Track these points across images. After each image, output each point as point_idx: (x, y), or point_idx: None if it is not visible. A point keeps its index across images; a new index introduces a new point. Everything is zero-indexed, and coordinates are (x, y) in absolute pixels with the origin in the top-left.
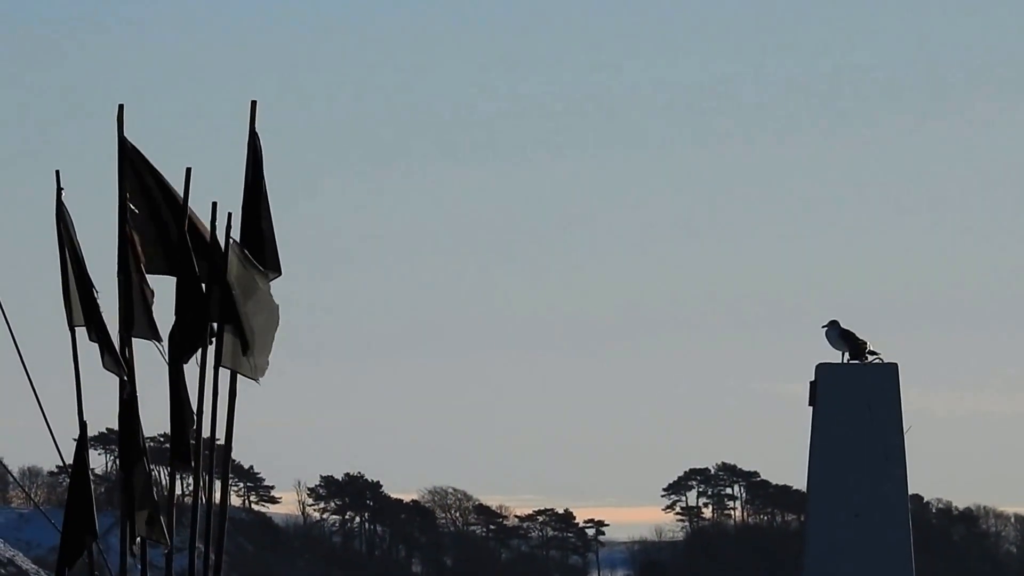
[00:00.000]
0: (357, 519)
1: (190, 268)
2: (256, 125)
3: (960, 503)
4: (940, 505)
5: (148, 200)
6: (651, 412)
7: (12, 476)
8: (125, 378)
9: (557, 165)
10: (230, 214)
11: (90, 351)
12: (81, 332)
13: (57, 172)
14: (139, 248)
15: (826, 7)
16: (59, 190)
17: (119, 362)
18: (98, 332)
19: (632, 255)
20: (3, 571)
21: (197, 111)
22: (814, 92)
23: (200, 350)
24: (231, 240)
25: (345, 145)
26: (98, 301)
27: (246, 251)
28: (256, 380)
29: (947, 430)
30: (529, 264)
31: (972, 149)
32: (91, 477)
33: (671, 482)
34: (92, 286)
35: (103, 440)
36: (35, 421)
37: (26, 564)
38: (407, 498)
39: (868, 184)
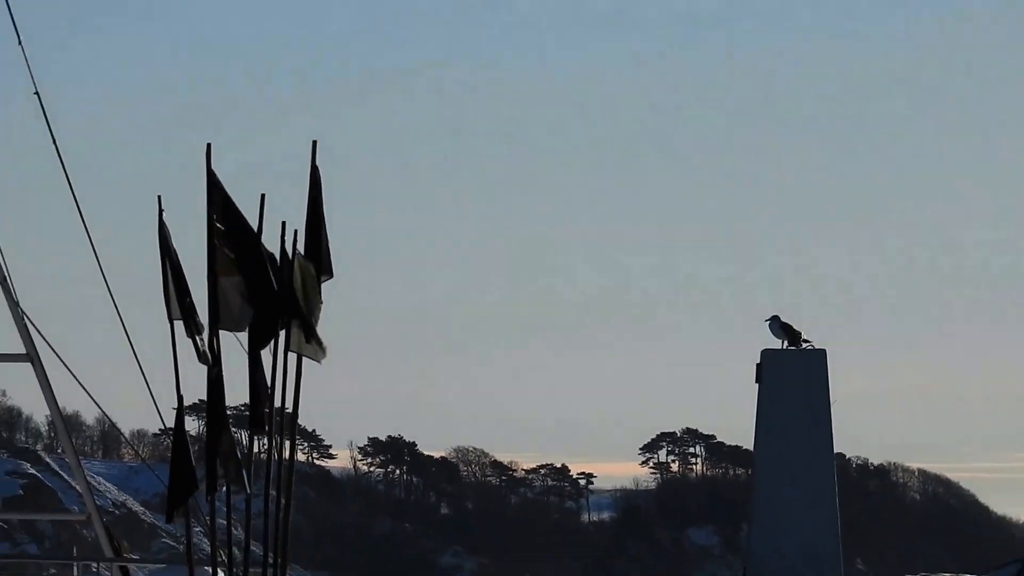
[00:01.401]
0: (397, 472)
1: (264, 274)
2: (316, 159)
3: (875, 460)
4: (859, 462)
5: (229, 219)
6: (631, 387)
7: (124, 437)
8: (210, 363)
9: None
10: (296, 231)
11: (186, 338)
12: (178, 324)
13: (159, 197)
14: (223, 257)
15: None
16: (160, 211)
17: (206, 351)
18: (192, 325)
19: (616, 266)
20: (117, 511)
21: (270, 148)
22: (755, 101)
23: (273, 339)
24: (296, 251)
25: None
26: (192, 300)
27: (307, 260)
28: (319, 361)
29: (865, 402)
30: (527, 261)
31: (889, 159)
32: (188, 438)
33: (645, 443)
34: (187, 289)
35: (196, 409)
36: (143, 394)
37: (135, 507)
38: (437, 455)
39: (808, 202)
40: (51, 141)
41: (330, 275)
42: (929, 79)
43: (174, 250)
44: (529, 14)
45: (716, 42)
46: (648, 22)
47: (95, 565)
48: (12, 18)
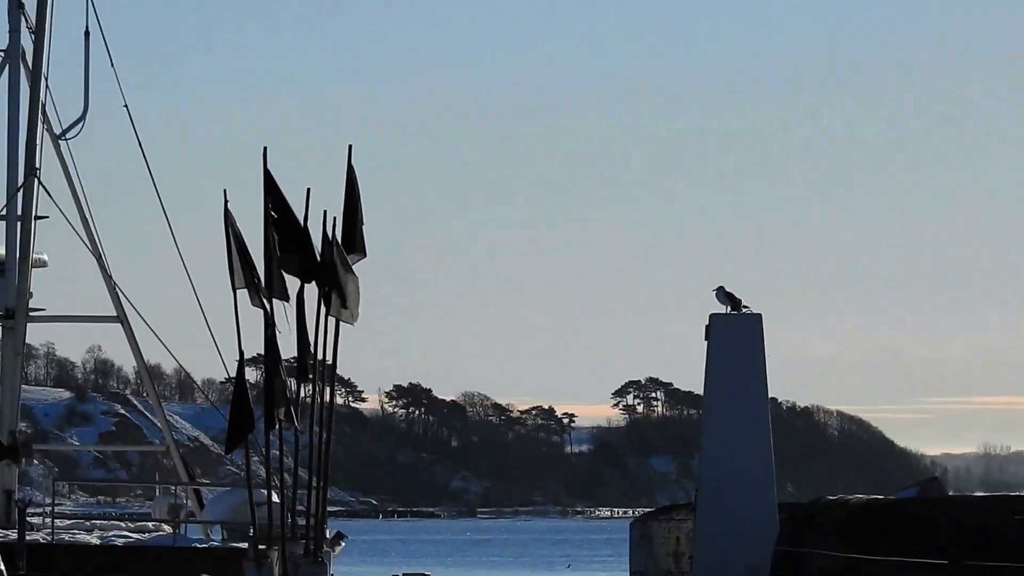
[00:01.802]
0: (416, 412)
1: (310, 253)
2: (351, 160)
3: (801, 403)
4: (788, 404)
5: (280, 209)
6: (605, 345)
7: (196, 384)
8: (272, 324)
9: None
10: (335, 218)
11: (246, 304)
12: (241, 292)
13: (224, 191)
14: (275, 240)
15: None
16: (225, 201)
17: (267, 313)
18: (257, 294)
19: (597, 246)
20: (191, 444)
21: (315, 151)
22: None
23: (316, 305)
24: (335, 235)
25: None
26: (258, 275)
27: (342, 243)
28: (352, 324)
29: (794, 356)
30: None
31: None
32: (247, 385)
33: (616, 389)
34: (253, 263)
35: (255, 361)
36: (211, 348)
37: (206, 440)
38: (448, 398)
39: (753, 186)
40: (138, 145)
41: (364, 255)
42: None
43: (239, 233)
44: None
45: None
46: None
47: (173, 487)
48: (106, 45)
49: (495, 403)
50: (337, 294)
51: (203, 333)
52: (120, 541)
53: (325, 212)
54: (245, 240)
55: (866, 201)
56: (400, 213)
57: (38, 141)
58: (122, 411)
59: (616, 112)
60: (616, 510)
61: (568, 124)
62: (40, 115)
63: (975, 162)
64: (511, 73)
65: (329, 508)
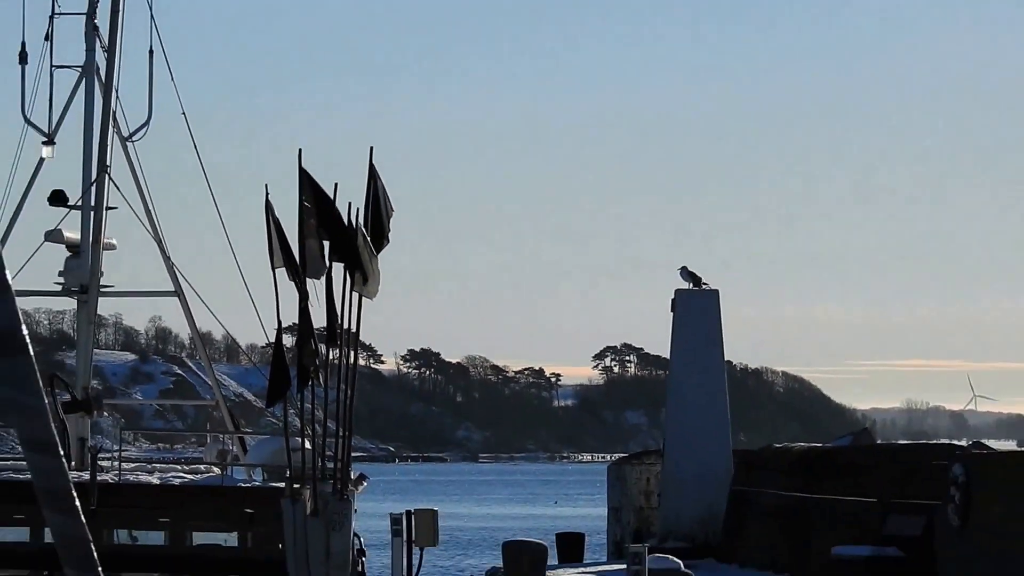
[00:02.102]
0: (427, 372)
1: (338, 238)
2: (372, 159)
3: (752, 364)
4: (741, 366)
5: (315, 200)
6: (586, 314)
7: (241, 348)
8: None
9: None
10: (359, 209)
11: (283, 281)
12: (279, 271)
13: (266, 185)
14: (309, 227)
15: None
16: (267, 196)
17: (301, 288)
18: (291, 271)
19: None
20: (236, 400)
21: (343, 151)
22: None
23: (343, 282)
24: (359, 223)
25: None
26: (295, 256)
27: (371, 230)
28: (371, 299)
29: (746, 324)
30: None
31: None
32: (284, 349)
33: (596, 353)
34: (289, 246)
35: (291, 329)
36: (254, 318)
37: (249, 396)
38: (454, 360)
39: (713, 176)
40: (193, 146)
41: (386, 240)
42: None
43: (278, 220)
44: None
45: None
46: None
47: (221, 436)
48: (167, 61)
49: (493, 364)
50: (360, 273)
51: (247, 305)
52: (176, 481)
53: (350, 204)
54: (283, 226)
55: (811, 189)
56: (416, 204)
57: (109, 143)
58: (178, 371)
59: (611, 99)
60: (596, 455)
61: (563, 112)
62: (111, 121)
63: (901, 138)
64: (494, 43)
65: (352, 453)
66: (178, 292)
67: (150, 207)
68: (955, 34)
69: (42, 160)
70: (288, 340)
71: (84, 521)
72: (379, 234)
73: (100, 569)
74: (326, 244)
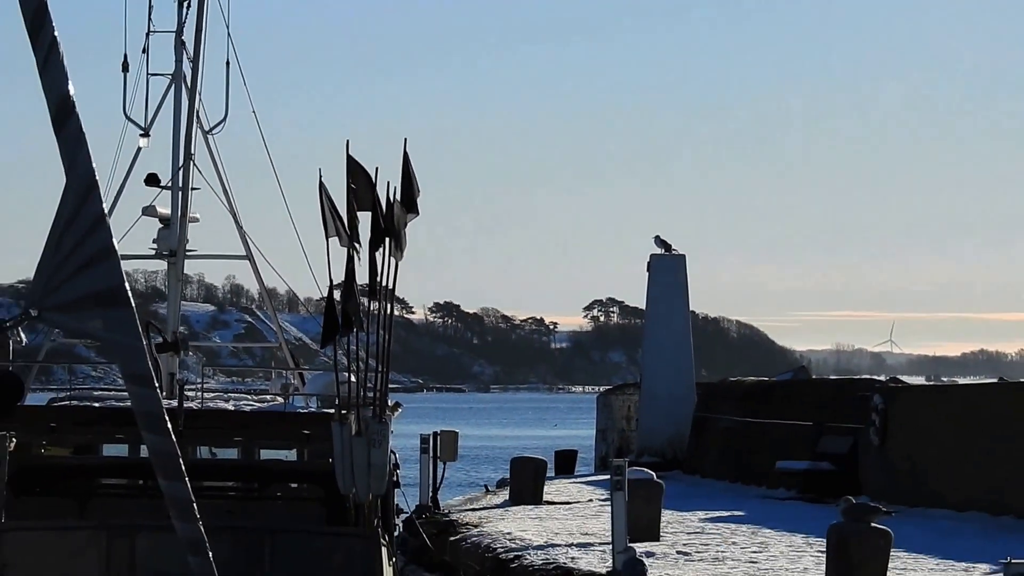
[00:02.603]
0: (449, 320)
1: (378, 212)
2: (406, 148)
3: (712, 314)
4: (703, 315)
5: (359, 182)
6: (578, 272)
7: (299, 300)
8: (354, 258)
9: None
10: (395, 187)
11: (334, 247)
12: (331, 240)
13: (320, 170)
14: (355, 202)
15: None
16: (320, 177)
17: (348, 252)
18: (341, 238)
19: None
20: (296, 342)
21: (381, 141)
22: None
23: (379, 248)
24: (395, 199)
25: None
26: (346, 228)
27: (399, 206)
28: (399, 261)
29: (707, 281)
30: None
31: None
32: (335, 301)
33: (585, 305)
34: (340, 217)
35: (339, 285)
36: (309, 276)
37: (307, 340)
38: (471, 311)
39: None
40: (261, 138)
41: (416, 213)
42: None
43: (330, 197)
44: None
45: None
46: None
47: (284, 371)
48: (240, 70)
49: (503, 314)
50: (394, 240)
51: (304, 267)
52: (247, 407)
53: (388, 183)
54: (334, 200)
55: (763, 172)
56: (443, 184)
57: (193, 136)
58: (249, 319)
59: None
60: (585, 387)
61: (571, 81)
62: (195, 118)
63: (850, 112)
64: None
65: (389, 385)
66: (249, 256)
67: (226, 187)
68: None
69: (139, 149)
70: (337, 294)
71: (174, 439)
72: (411, 209)
73: (186, 478)
74: (368, 217)
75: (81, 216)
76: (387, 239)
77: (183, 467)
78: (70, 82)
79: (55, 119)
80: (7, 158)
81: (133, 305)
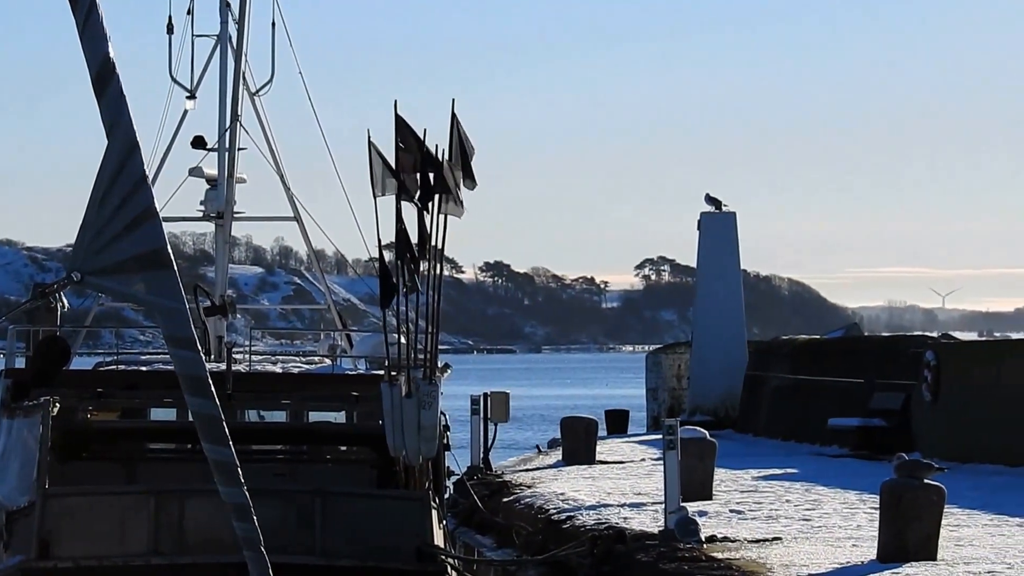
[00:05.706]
0: (499, 280)
1: (426, 171)
2: (454, 109)
3: (763, 272)
4: (754, 273)
5: (409, 141)
6: (630, 231)
7: (348, 262)
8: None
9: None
10: (444, 149)
11: (382, 206)
12: (380, 200)
13: (368, 130)
14: (406, 160)
15: None
16: (369, 137)
17: (398, 211)
18: (396, 195)
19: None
20: (344, 303)
21: (431, 103)
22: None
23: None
24: (445, 158)
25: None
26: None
27: (453, 167)
28: (459, 217)
29: (759, 239)
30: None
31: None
32: (386, 261)
33: (637, 264)
34: (396, 174)
35: (389, 246)
36: (358, 236)
37: (355, 301)
38: (521, 271)
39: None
40: (308, 99)
41: (474, 183)
42: None
43: (380, 154)
44: None
45: None
46: None
47: (333, 333)
48: (287, 30)
49: (554, 274)
50: (450, 196)
51: (352, 228)
52: (296, 370)
53: (437, 145)
54: (385, 158)
55: (814, 120)
56: (491, 137)
57: (239, 97)
58: (297, 281)
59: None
60: (637, 346)
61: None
62: (241, 80)
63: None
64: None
65: (439, 346)
66: (297, 217)
67: (274, 148)
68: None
69: (186, 112)
70: (388, 255)
71: (217, 403)
72: (467, 175)
73: (230, 442)
74: (417, 177)
75: (122, 178)
76: (439, 196)
77: (227, 431)
78: (110, 44)
79: (96, 81)
80: (54, 115)
81: (175, 267)
